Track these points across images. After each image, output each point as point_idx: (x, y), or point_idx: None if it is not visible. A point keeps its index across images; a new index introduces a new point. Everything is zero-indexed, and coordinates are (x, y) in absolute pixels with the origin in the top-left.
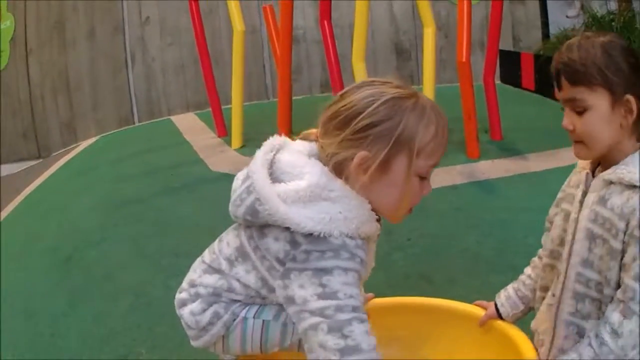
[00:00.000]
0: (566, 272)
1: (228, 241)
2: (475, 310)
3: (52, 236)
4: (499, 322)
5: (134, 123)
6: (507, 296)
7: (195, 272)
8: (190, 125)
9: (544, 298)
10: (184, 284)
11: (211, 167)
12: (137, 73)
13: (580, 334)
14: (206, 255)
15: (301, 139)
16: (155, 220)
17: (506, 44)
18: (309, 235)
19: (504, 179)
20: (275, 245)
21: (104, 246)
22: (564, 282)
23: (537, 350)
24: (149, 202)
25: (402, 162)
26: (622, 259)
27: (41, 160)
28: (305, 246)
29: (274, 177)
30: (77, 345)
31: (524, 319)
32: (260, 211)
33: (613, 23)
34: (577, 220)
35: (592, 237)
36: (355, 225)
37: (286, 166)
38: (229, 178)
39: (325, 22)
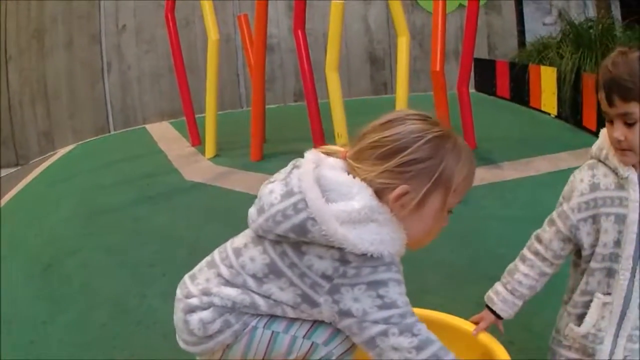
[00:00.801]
0: (634, 267)
1: (252, 257)
2: (461, 323)
3: (30, 245)
4: (484, 337)
5: (109, 131)
6: (504, 299)
7: (210, 282)
8: (164, 134)
9: (586, 302)
10: (193, 290)
11: (185, 177)
12: (113, 81)
13: None
14: (222, 269)
15: (326, 154)
16: (131, 229)
17: (482, 53)
18: (362, 255)
19: (477, 187)
20: (321, 263)
21: (81, 255)
22: (630, 277)
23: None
24: (125, 211)
25: (437, 200)
26: None
27: (19, 167)
28: (356, 263)
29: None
30: (57, 353)
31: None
32: (311, 231)
33: (591, 30)
34: (639, 220)
35: None
36: (398, 246)
37: (333, 184)
38: (203, 187)
39: (299, 32)
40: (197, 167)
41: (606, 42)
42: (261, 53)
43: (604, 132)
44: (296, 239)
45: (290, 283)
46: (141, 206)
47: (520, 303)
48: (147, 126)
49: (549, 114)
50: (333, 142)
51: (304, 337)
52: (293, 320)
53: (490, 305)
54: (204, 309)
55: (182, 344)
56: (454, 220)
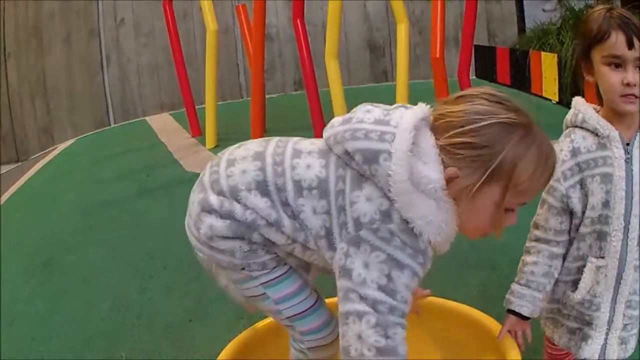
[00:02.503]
0: (627, 226)
1: (309, 164)
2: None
3: (31, 240)
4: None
5: (109, 124)
6: (520, 295)
7: (244, 178)
8: (164, 126)
9: (580, 267)
10: (223, 181)
11: (186, 168)
12: (112, 75)
13: None
14: (267, 163)
15: None
16: (132, 223)
17: (482, 39)
18: (405, 221)
19: None
20: (365, 205)
21: (81, 249)
22: (624, 238)
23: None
24: (125, 204)
25: (494, 194)
26: None
27: (19, 164)
28: (395, 227)
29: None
30: (59, 349)
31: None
32: (381, 164)
33: None
34: (628, 177)
35: None
36: (442, 237)
37: (423, 142)
38: None
39: (298, 21)
40: (198, 158)
41: None
42: (260, 43)
43: (578, 100)
44: (360, 167)
45: (326, 210)
46: (141, 199)
47: (540, 295)
48: (147, 118)
49: (550, 100)
50: None
51: (262, 284)
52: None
53: (508, 306)
54: (221, 217)
55: (186, 228)
56: None
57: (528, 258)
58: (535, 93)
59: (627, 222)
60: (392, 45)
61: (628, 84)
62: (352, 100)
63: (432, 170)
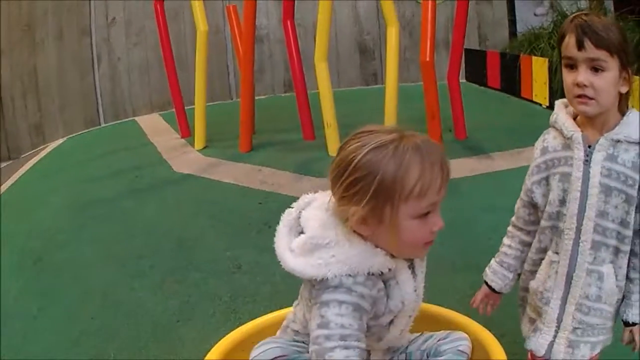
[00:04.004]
0: (579, 227)
1: None
2: (454, 315)
3: (22, 238)
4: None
5: (99, 124)
6: (494, 271)
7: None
8: (154, 126)
9: (542, 259)
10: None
11: (174, 169)
12: (103, 74)
13: (601, 279)
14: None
15: None
16: (121, 222)
17: (472, 43)
18: (312, 279)
19: (468, 178)
20: (305, 288)
21: (71, 248)
22: (576, 238)
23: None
24: (115, 203)
25: (390, 212)
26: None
27: (11, 161)
28: (317, 286)
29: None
30: (49, 347)
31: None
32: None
33: None
34: (585, 178)
35: (608, 190)
36: (349, 266)
37: (303, 220)
38: (192, 179)
39: (289, 22)
40: (186, 159)
41: None
42: (250, 44)
43: (558, 101)
44: None
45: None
46: (130, 198)
47: (510, 275)
48: (137, 118)
49: (540, 105)
50: (322, 133)
51: None
52: None
53: (484, 278)
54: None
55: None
56: (444, 211)
57: (505, 240)
58: (526, 97)
59: (580, 223)
60: (382, 47)
61: (577, 84)
62: (342, 102)
63: (307, 232)
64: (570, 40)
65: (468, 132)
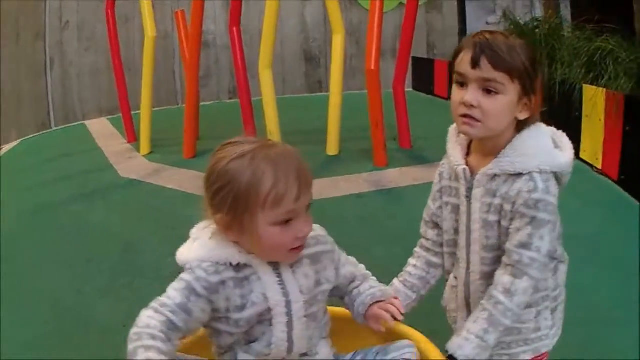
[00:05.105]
0: (468, 258)
1: None
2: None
3: None
4: (402, 327)
5: (50, 127)
6: (397, 290)
7: None
8: (102, 131)
9: (446, 281)
10: None
11: (120, 173)
12: (55, 77)
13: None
14: None
15: None
16: (68, 226)
17: (421, 52)
18: None
19: (412, 187)
20: None
21: (21, 253)
22: (467, 268)
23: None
24: (63, 208)
25: (249, 219)
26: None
27: None
28: None
29: None
30: (2, 353)
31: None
32: None
33: (537, 30)
34: (468, 213)
35: (487, 225)
36: (203, 254)
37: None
38: (137, 184)
39: (235, 28)
40: (132, 164)
41: (552, 42)
42: (196, 49)
43: (450, 128)
44: None
45: None
46: (78, 203)
47: (413, 295)
48: (86, 122)
49: None
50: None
51: None
52: None
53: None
54: None
55: None
56: (387, 220)
57: (411, 260)
58: None
59: (468, 256)
60: (329, 55)
61: (464, 104)
62: (286, 110)
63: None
64: (465, 57)
65: (413, 141)
